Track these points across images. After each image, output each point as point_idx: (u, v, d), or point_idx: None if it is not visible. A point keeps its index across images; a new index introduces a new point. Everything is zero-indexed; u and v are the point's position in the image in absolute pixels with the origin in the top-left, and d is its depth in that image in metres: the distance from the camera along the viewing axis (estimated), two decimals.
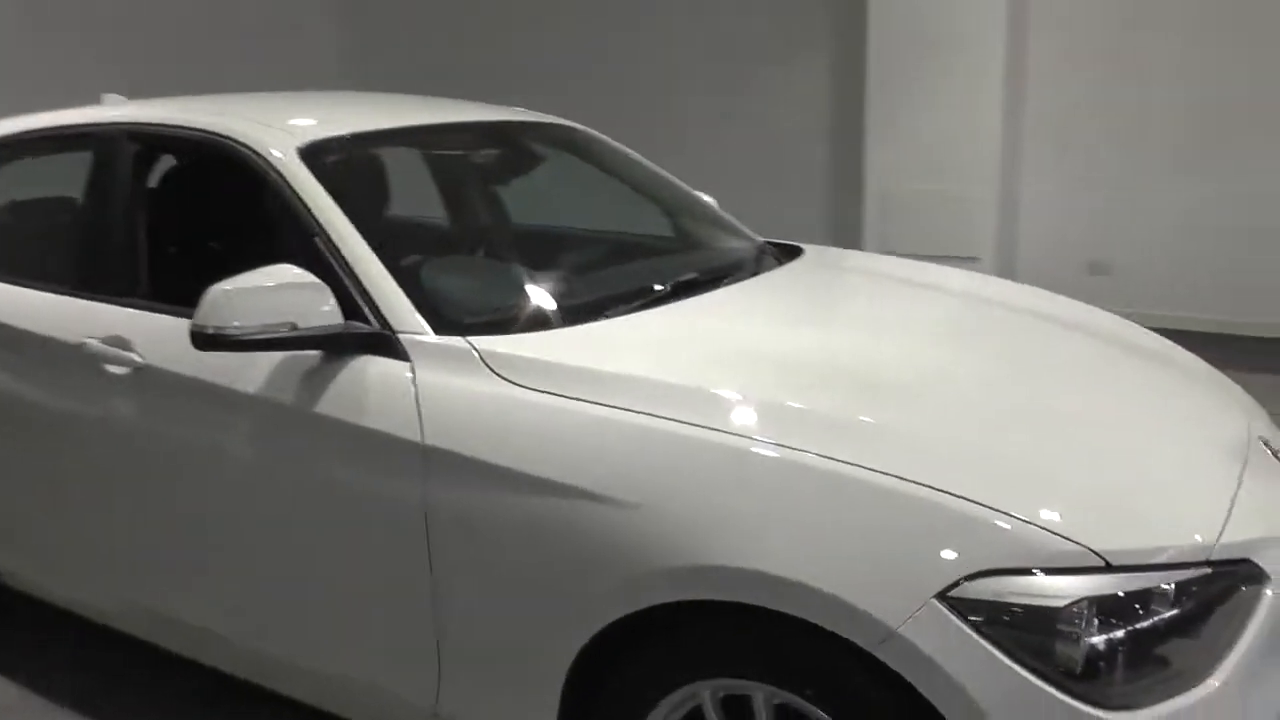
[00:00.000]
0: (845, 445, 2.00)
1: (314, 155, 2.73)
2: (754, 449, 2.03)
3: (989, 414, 2.25)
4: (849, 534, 1.91)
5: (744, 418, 2.12)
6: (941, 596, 1.81)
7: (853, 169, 7.50)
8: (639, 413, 2.13)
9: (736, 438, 2.06)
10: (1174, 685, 1.85)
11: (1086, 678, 1.80)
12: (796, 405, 2.16)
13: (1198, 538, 1.98)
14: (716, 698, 2.10)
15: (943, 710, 1.82)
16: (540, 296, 2.80)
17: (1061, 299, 3.29)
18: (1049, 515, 1.89)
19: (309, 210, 2.60)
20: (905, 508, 1.90)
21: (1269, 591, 2.01)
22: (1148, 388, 2.67)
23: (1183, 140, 6.87)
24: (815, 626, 1.90)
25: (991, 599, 1.80)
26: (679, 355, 2.42)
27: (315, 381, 2.45)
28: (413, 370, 2.35)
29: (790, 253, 3.41)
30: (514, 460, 2.18)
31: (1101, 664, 1.81)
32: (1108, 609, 1.83)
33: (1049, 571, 1.83)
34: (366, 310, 2.46)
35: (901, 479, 1.93)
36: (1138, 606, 1.85)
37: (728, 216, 3.66)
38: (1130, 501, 2.02)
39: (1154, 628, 1.85)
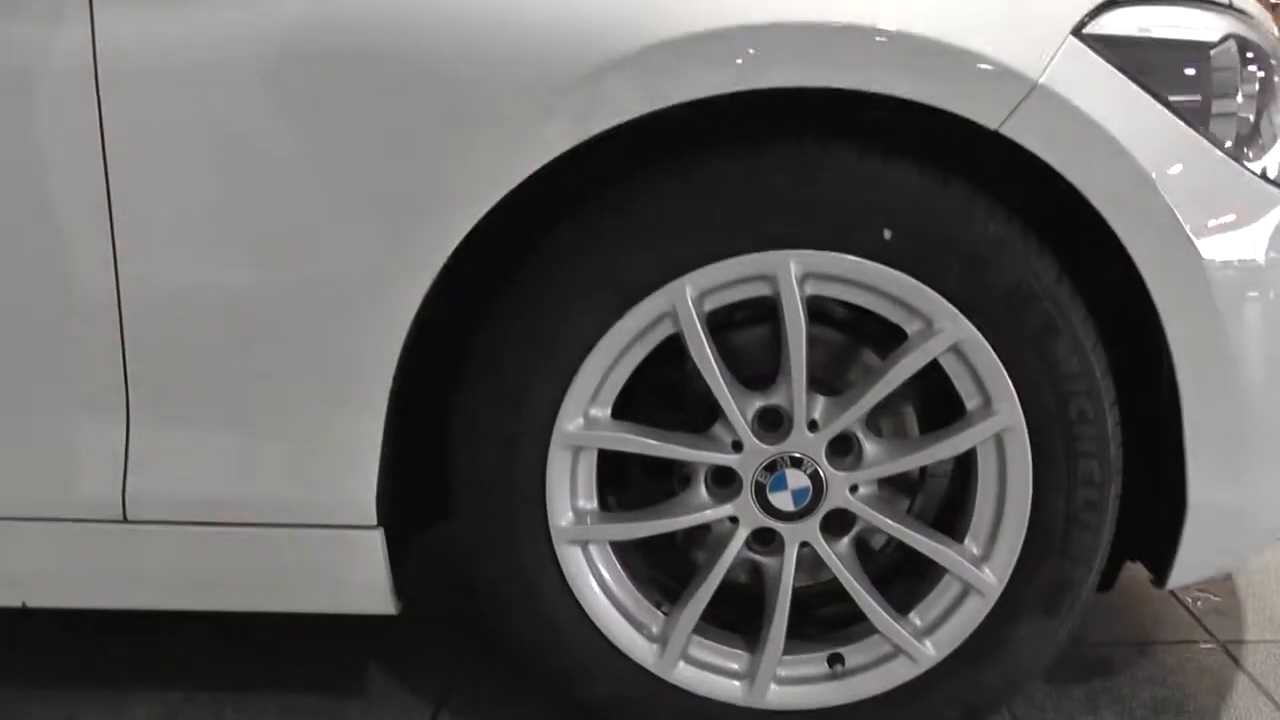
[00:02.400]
0: None
1: None
2: None
3: None
4: None
5: None
6: (1078, 33, 1.24)
7: None
8: None
9: None
10: None
11: (1242, 139, 1.31)
12: None
13: None
14: (702, 307, 1.30)
15: (1086, 189, 1.22)
16: None
17: None
18: None
19: None
20: None
21: None
22: None
23: None
24: (897, 114, 1.23)
25: (1136, 34, 1.27)
26: None
27: None
28: None
29: None
30: None
31: (1254, 126, 1.33)
32: (1244, 59, 1.35)
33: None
34: None
35: None
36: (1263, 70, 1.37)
37: None
38: None
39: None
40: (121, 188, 1.27)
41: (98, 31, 1.24)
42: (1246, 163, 1.32)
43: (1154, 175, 1.24)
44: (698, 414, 1.42)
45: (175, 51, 1.24)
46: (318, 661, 1.74)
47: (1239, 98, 1.33)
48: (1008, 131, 1.22)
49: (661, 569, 1.52)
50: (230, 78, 1.24)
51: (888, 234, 1.25)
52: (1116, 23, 1.28)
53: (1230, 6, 1.38)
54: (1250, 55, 1.36)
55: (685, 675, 1.42)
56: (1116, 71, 1.26)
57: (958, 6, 1.23)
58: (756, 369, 1.39)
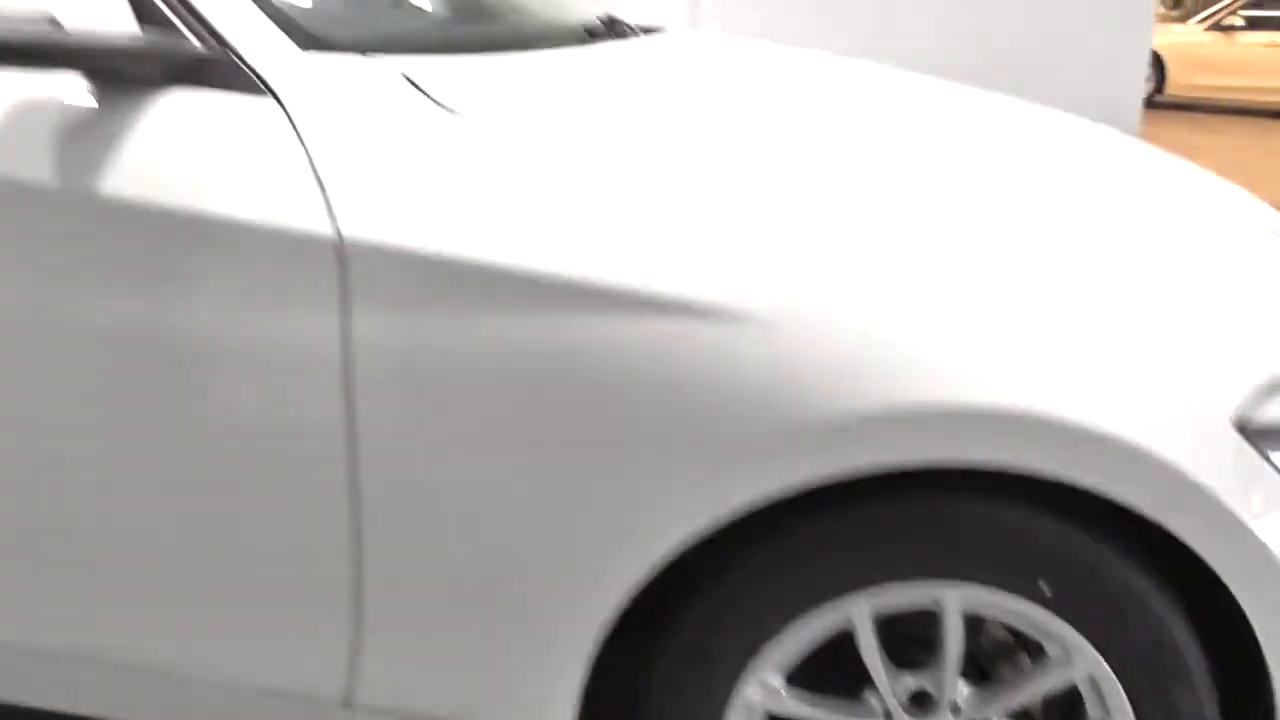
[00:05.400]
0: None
1: None
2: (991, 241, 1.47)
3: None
4: (1116, 359, 1.39)
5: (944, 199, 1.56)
6: (1241, 429, 1.39)
7: None
8: (764, 173, 1.52)
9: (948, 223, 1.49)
10: None
11: None
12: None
13: None
14: (876, 616, 1.51)
15: (1240, 593, 1.37)
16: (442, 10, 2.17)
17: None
18: None
19: None
20: (1163, 318, 1.44)
21: None
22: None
23: None
24: (1063, 495, 1.40)
25: None
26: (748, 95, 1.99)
27: (93, 135, 1.41)
28: (285, 109, 1.41)
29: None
30: (531, 258, 1.36)
31: None
32: None
33: None
34: (174, 18, 1.42)
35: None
36: None
37: None
38: None
39: None
40: (372, 467, 1.42)
41: (350, 326, 1.37)
42: None
43: None
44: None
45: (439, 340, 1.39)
46: None
47: None
48: (1170, 525, 1.36)
49: None
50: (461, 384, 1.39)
51: (1045, 587, 1.44)
52: (1273, 410, 1.40)
53: None
54: None
55: None
56: (1269, 466, 1.39)
57: (1144, 401, 1.37)
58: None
